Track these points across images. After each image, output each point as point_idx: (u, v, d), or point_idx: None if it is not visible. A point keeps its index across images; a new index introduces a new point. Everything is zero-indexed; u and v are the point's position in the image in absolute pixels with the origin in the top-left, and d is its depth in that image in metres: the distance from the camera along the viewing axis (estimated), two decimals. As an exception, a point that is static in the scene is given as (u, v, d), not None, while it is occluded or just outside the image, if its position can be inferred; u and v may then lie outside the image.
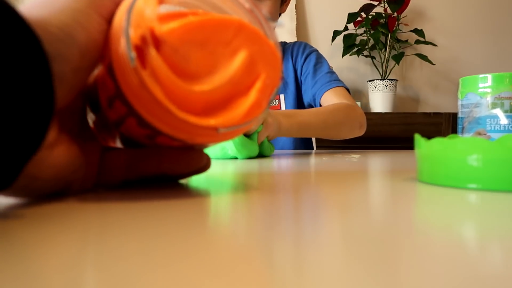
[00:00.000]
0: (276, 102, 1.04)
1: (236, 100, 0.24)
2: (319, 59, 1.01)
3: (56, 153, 0.22)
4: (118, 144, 0.27)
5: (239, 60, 0.24)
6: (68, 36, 0.20)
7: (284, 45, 1.06)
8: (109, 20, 0.23)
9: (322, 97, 0.93)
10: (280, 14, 1.01)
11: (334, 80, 0.95)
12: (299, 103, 1.03)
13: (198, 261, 0.12)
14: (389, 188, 0.28)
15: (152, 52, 0.21)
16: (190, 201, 0.22)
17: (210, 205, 0.22)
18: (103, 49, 0.23)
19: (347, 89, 0.95)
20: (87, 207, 0.20)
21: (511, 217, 0.18)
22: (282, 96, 1.04)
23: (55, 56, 0.19)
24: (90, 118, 0.27)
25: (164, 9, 0.23)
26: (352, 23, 1.91)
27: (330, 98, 0.91)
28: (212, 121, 0.23)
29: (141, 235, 0.15)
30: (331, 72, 0.98)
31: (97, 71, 0.24)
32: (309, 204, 0.22)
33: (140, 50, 0.21)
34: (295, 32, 2.00)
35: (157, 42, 0.22)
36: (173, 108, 0.22)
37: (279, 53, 0.25)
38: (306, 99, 1.01)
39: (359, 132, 0.90)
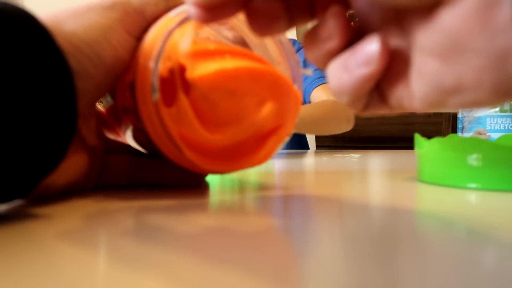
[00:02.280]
0: None
1: (250, 147, 0.24)
2: None
3: (70, 164, 0.22)
4: (128, 136, 0.27)
5: (265, 111, 0.23)
6: (96, 54, 0.20)
7: None
8: (137, 37, 0.22)
9: (312, 94, 0.92)
10: None
11: (323, 76, 0.94)
12: None
13: (202, 259, 0.12)
14: (389, 188, 0.28)
15: (181, 95, 0.21)
16: (201, 202, 0.22)
17: (210, 206, 0.22)
18: (129, 64, 0.22)
19: None
20: (91, 206, 0.20)
21: (511, 217, 0.18)
22: None
23: (82, 73, 0.19)
24: (106, 102, 0.26)
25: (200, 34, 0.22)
26: (352, 23, 1.91)
27: (319, 95, 0.91)
28: (220, 168, 0.23)
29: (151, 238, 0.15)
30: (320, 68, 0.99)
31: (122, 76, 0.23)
32: (309, 204, 0.22)
33: (166, 83, 0.21)
34: (295, 30, 2.00)
35: (187, 86, 0.21)
36: (185, 150, 0.21)
37: (301, 103, 0.25)
38: None
39: (347, 127, 0.89)
